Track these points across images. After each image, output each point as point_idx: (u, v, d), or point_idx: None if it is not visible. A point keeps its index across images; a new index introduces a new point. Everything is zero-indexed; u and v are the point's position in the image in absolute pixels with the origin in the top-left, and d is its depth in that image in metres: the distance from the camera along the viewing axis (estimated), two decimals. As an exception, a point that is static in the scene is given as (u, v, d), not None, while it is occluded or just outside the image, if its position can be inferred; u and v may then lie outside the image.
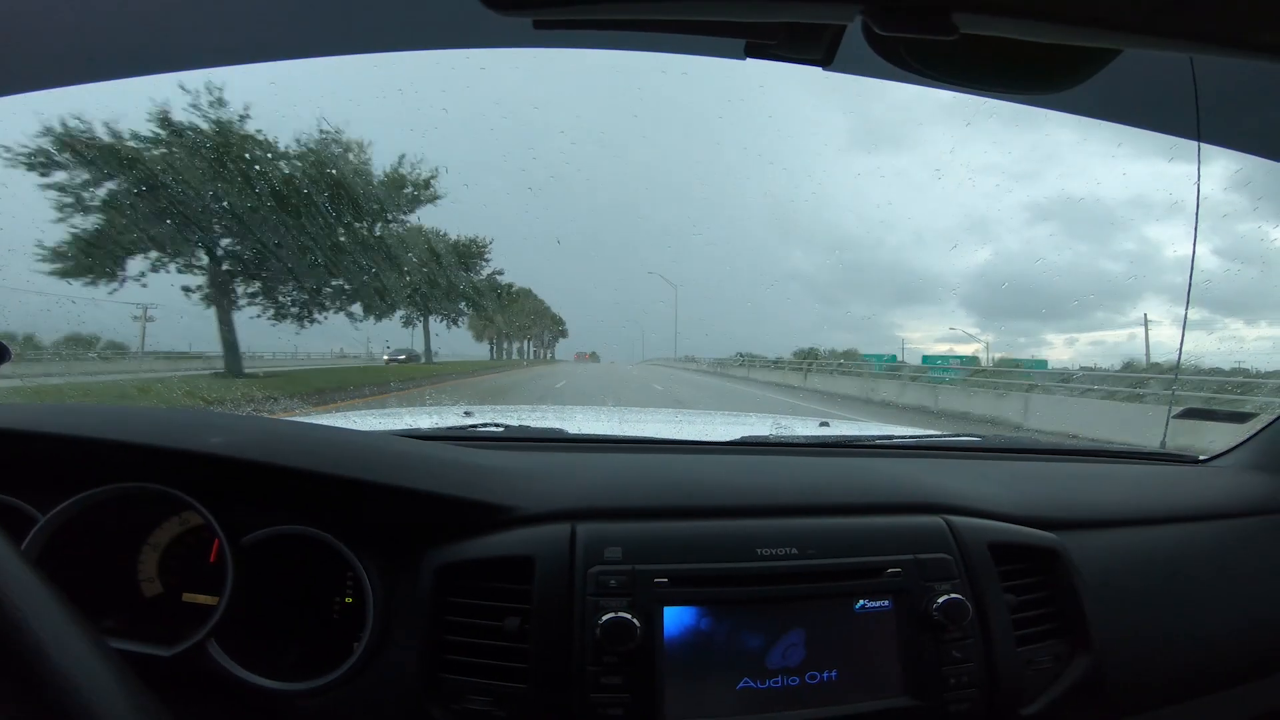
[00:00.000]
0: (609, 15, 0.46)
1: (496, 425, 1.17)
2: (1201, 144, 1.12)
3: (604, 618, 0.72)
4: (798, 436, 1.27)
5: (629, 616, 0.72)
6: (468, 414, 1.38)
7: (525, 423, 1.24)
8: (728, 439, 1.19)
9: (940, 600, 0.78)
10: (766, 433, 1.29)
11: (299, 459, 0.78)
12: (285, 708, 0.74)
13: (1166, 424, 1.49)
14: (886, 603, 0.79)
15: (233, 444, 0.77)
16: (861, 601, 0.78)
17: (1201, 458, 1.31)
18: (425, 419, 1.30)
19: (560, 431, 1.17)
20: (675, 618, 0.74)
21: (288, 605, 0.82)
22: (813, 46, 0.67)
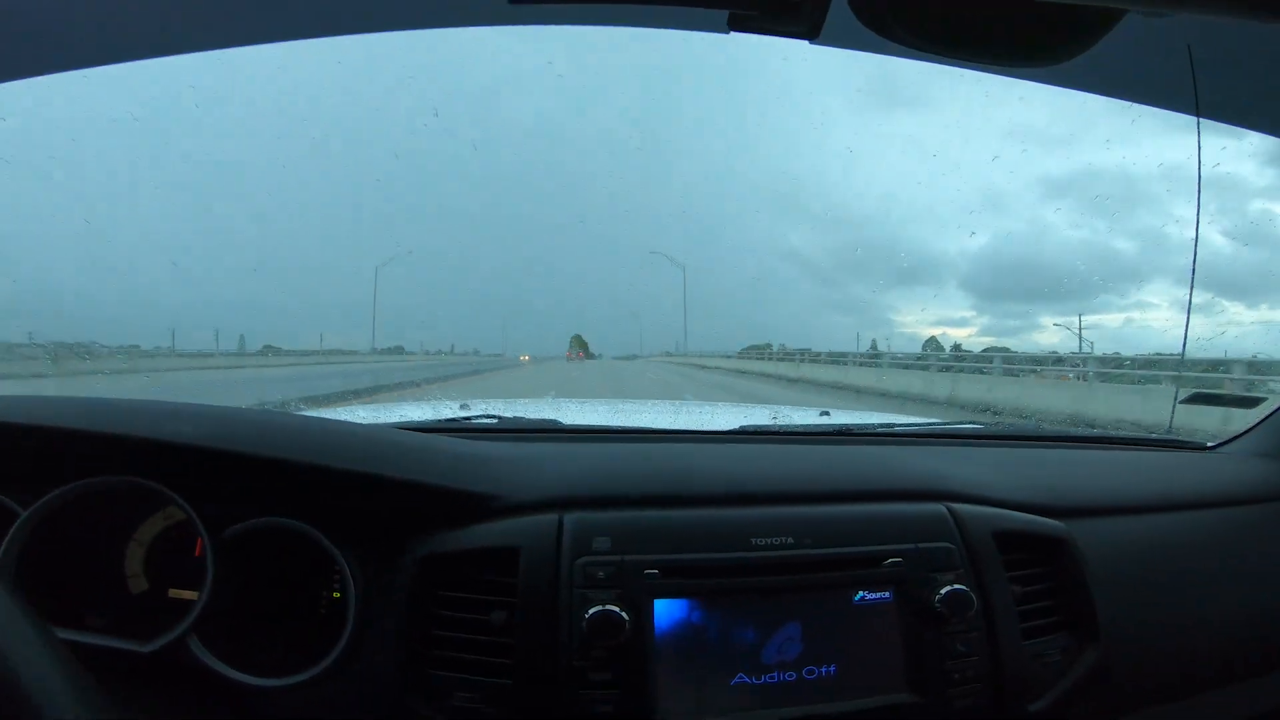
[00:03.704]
0: None
1: (491, 417, 1.16)
2: (1201, 119, 1.10)
3: (591, 611, 0.70)
4: (797, 425, 1.25)
5: (617, 609, 0.70)
6: (464, 407, 1.37)
7: (521, 414, 1.23)
8: (726, 428, 1.18)
9: (943, 591, 0.76)
10: (765, 422, 1.27)
11: (272, 447, 0.76)
12: (266, 704, 0.73)
13: (1173, 409, 1.46)
14: (887, 594, 0.77)
15: (203, 434, 0.76)
16: (861, 593, 0.76)
17: (1210, 444, 1.28)
18: (422, 412, 1.29)
19: (555, 422, 1.16)
20: (666, 610, 0.72)
21: (277, 600, 0.80)
22: (796, 18, 0.65)
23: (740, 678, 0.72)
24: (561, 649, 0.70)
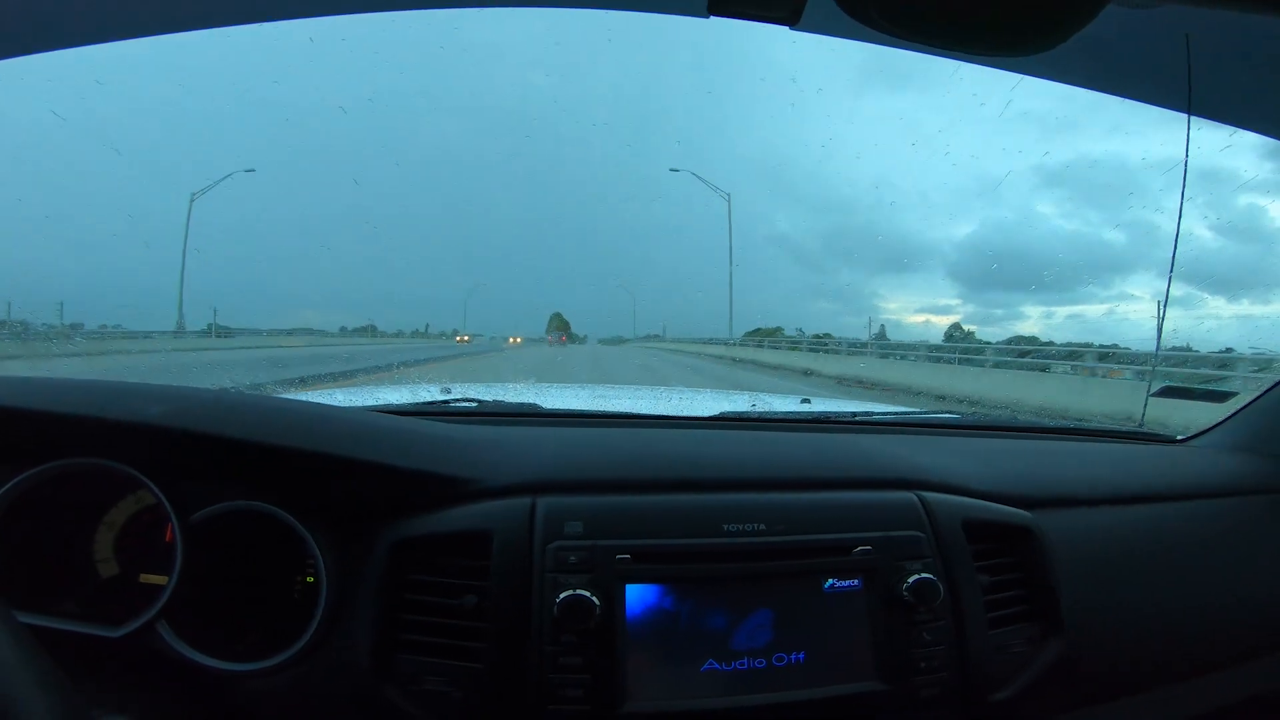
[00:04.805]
0: None
1: (471, 401, 1.15)
2: (1192, 116, 1.09)
3: (561, 595, 0.70)
4: (775, 412, 1.26)
5: (588, 594, 0.70)
6: (446, 390, 1.36)
7: (502, 399, 1.23)
8: (706, 414, 1.18)
9: (911, 580, 0.76)
10: (745, 409, 1.28)
11: (244, 429, 0.76)
12: (234, 689, 0.73)
13: (1145, 403, 1.49)
14: (856, 582, 0.77)
15: (173, 414, 0.75)
16: (830, 580, 0.77)
17: (1179, 437, 1.31)
18: (399, 395, 1.28)
19: (535, 407, 1.16)
20: (638, 595, 0.73)
21: (250, 585, 0.80)
22: (777, 2, 0.64)
23: (710, 664, 0.73)
24: (532, 633, 0.71)
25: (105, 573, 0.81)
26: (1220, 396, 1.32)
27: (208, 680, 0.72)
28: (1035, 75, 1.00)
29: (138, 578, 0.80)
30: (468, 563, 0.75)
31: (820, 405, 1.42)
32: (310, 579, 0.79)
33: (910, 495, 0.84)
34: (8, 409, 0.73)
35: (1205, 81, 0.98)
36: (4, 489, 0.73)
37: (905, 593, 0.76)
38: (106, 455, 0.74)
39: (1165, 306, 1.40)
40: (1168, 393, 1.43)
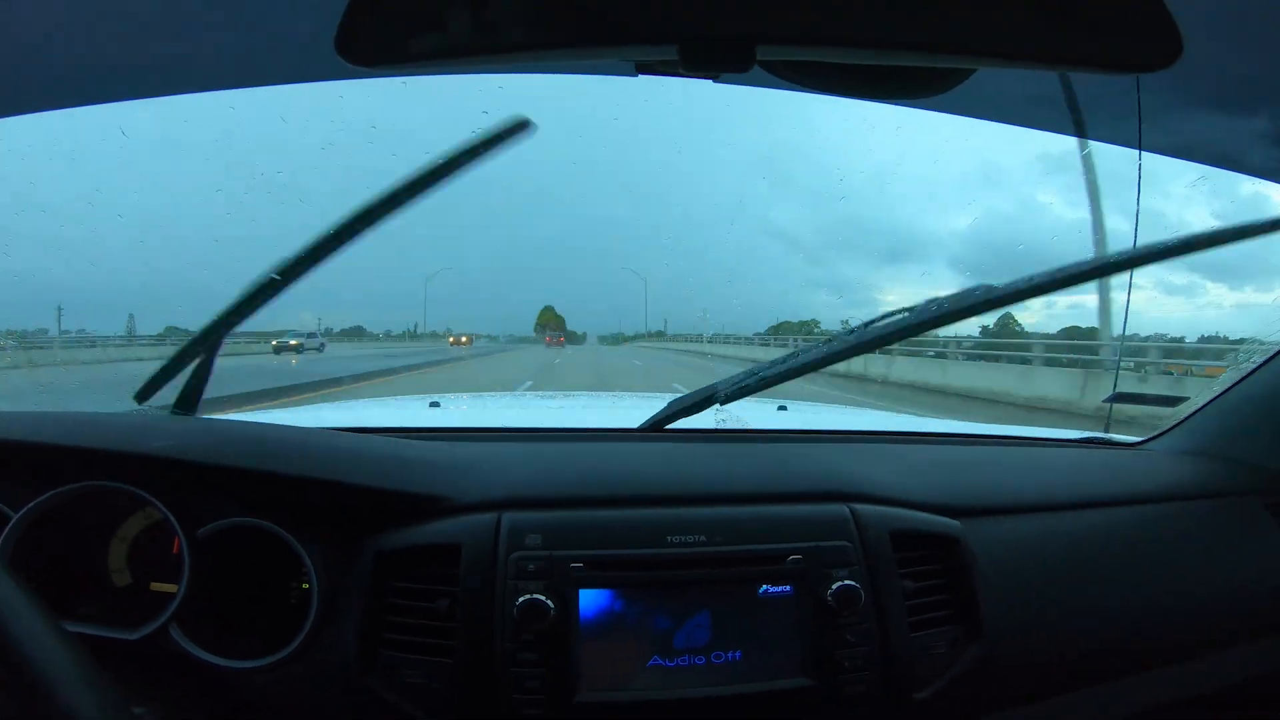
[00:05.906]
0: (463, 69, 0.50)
1: (448, 421, 1.24)
2: (1142, 151, 1.12)
3: (520, 599, 0.78)
4: (742, 426, 1.32)
5: (543, 598, 0.78)
6: (434, 404, 1.46)
7: (487, 409, 1.31)
8: (673, 427, 1.25)
9: (835, 586, 0.83)
10: (713, 423, 1.34)
11: (239, 458, 0.85)
12: (242, 683, 0.82)
13: (1111, 407, 1.51)
14: (788, 588, 0.84)
15: (177, 446, 0.84)
16: (765, 587, 0.84)
17: (1136, 440, 1.33)
18: (383, 412, 1.37)
19: (510, 425, 1.25)
20: (590, 599, 0.81)
21: (250, 591, 0.89)
22: (697, 65, 0.71)
23: (655, 660, 0.80)
24: (496, 633, 0.79)
25: (119, 582, 0.90)
26: (1170, 401, 1.35)
27: (215, 676, 0.80)
28: (983, 118, 1.04)
29: (148, 586, 0.89)
30: (441, 571, 0.83)
31: (792, 415, 1.48)
32: (304, 585, 0.88)
33: (842, 508, 0.90)
34: (37, 444, 0.83)
35: (1152, 119, 1.00)
36: (28, 508, 0.82)
37: (830, 598, 0.82)
38: (121, 479, 0.83)
39: (1128, 306, 1.44)
40: (1120, 399, 1.46)
